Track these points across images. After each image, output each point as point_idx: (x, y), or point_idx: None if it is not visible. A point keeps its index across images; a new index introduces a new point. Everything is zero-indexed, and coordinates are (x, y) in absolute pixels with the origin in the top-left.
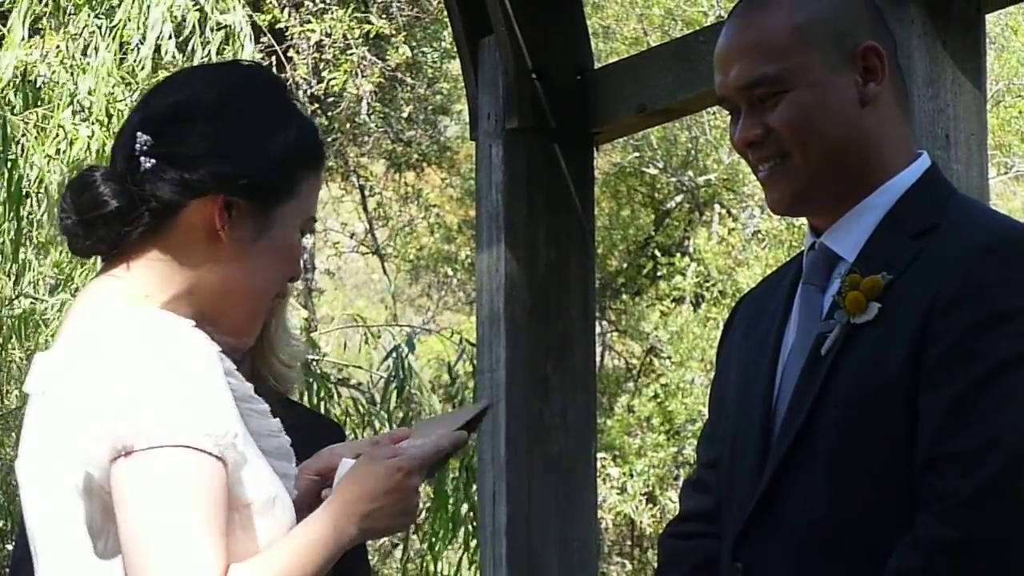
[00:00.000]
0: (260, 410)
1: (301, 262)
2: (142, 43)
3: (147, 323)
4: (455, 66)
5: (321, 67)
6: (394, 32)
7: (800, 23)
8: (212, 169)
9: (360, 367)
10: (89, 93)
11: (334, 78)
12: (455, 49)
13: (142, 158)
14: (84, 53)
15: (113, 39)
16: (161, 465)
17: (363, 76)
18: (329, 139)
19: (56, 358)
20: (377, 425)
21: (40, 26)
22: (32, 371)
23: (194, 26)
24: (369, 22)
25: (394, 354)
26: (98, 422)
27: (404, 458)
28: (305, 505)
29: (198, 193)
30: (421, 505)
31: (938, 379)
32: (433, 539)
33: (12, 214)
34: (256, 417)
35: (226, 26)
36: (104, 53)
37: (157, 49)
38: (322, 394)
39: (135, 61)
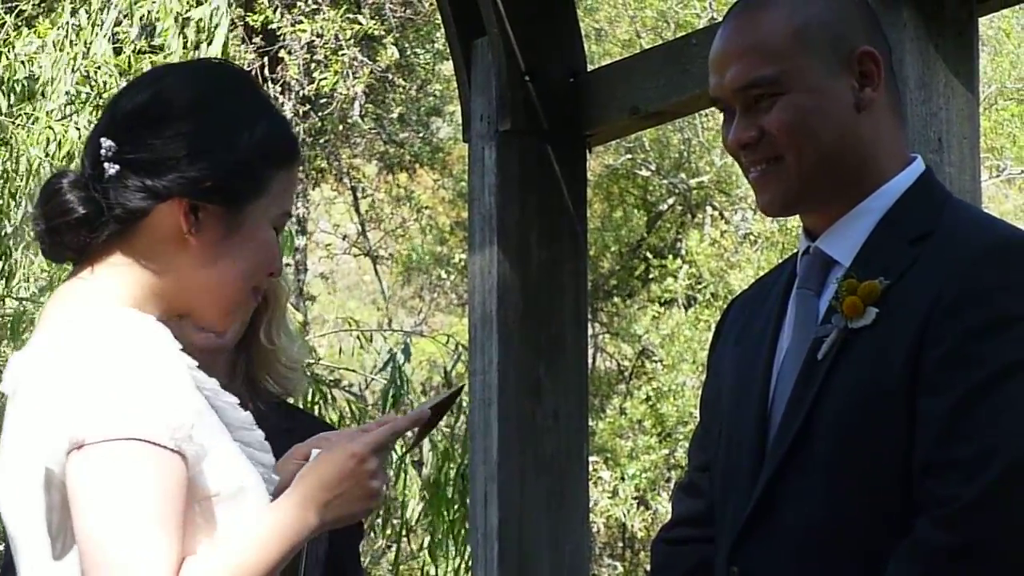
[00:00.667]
0: (231, 402)
1: (280, 256)
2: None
3: (107, 320)
4: (448, 67)
5: (312, 68)
6: (384, 33)
7: (798, 26)
8: (176, 174)
9: (353, 370)
10: (80, 83)
11: (324, 79)
12: (448, 50)
13: (106, 164)
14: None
15: (96, 33)
16: (112, 458)
17: (354, 77)
18: (321, 140)
19: (26, 358)
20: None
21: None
22: (6, 371)
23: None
24: (360, 23)
25: (391, 363)
26: (55, 417)
27: (358, 443)
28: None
29: (162, 198)
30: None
31: (938, 384)
32: (431, 541)
33: (2, 214)
34: (229, 409)
35: (198, 20)
36: (97, 45)
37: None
38: (316, 397)
39: (131, 52)
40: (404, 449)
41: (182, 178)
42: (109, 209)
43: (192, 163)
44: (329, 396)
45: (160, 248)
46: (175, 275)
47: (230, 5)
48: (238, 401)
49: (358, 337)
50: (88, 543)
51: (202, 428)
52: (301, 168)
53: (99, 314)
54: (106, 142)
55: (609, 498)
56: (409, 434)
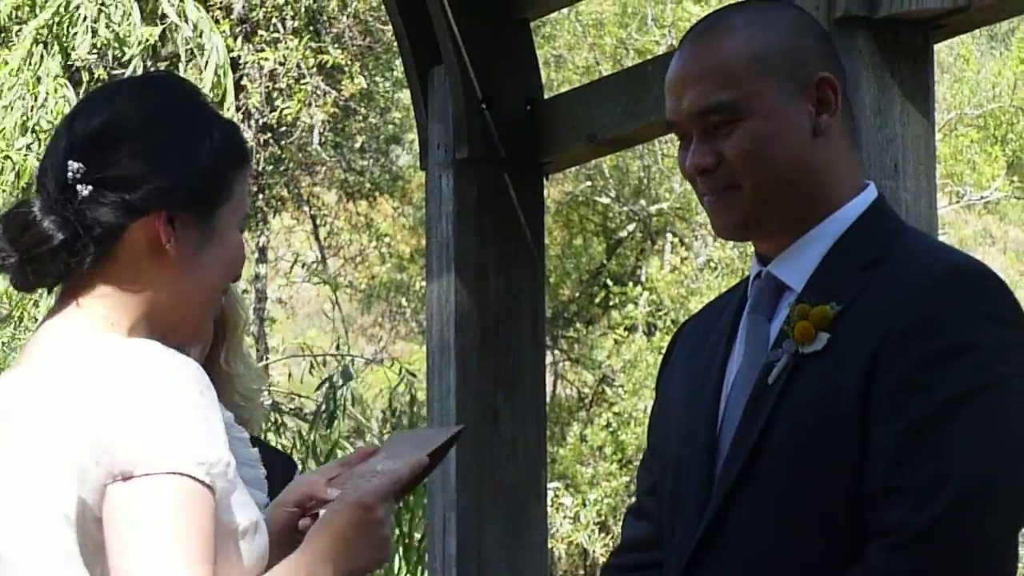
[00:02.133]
0: (242, 437)
1: (244, 258)
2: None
3: (136, 351)
4: (407, 96)
5: (275, 96)
6: (349, 62)
7: (757, 51)
8: (150, 186)
9: (310, 397)
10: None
11: (287, 107)
12: (406, 79)
13: (78, 186)
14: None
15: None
16: (157, 493)
17: (316, 106)
18: (281, 168)
19: (22, 380)
20: (318, 453)
21: None
22: None
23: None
24: (324, 52)
25: (326, 385)
26: (95, 447)
27: (366, 494)
28: (284, 539)
29: (140, 213)
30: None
31: (889, 411)
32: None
33: None
34: (239, 444)
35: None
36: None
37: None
38: (267, 425)
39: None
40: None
41: (157, 190)
42: (87, 230)
43: (163, 174)
44: (280, 422)
45: (140, 266)
46: (158, 292)
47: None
48: (248, 436)
49: (311, 362)
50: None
51: (233, 463)
52: (261, 196)
53: (117, 345)
54: (73, 164)
55: (571, 524)
56: None
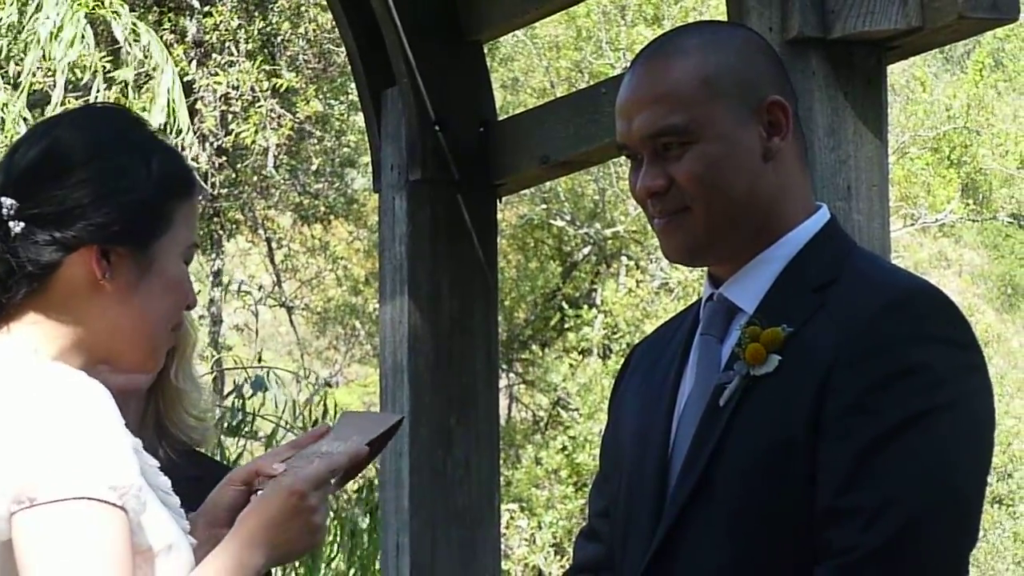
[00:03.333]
0: (152, 464)
1: (192, 289)
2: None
3: (42, 377)
4: (362, 119)
5: (229, 119)
6: (305, 85)
7: (708, 74)
8: (83, 222)
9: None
10: None
11: (244, 131)
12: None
13: (11, 223)
14: None
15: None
16: (65, 518)
17: (271, 129)
18: (236, 192)
19: None
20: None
21: None
22: None
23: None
24: (278, 75)
25: (235, 394)
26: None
27: (298, 480)
28: (232, 518)
29: (73, 248)
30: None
31: (839, 432)
32: None
33: None
34: (152, 473)
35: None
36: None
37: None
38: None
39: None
40: (337, 483)
41: (90, 225)
42: (20, 268)
43: (97, 209)
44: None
45: (75, 299)
46: (93, 323)
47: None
48: (159, 465)
49: (246, 379)
50: None
51: (142, 484)
52: (216, 219)
53: (31, 370)
54: (7, 201)
55: (527, 546)
56: None
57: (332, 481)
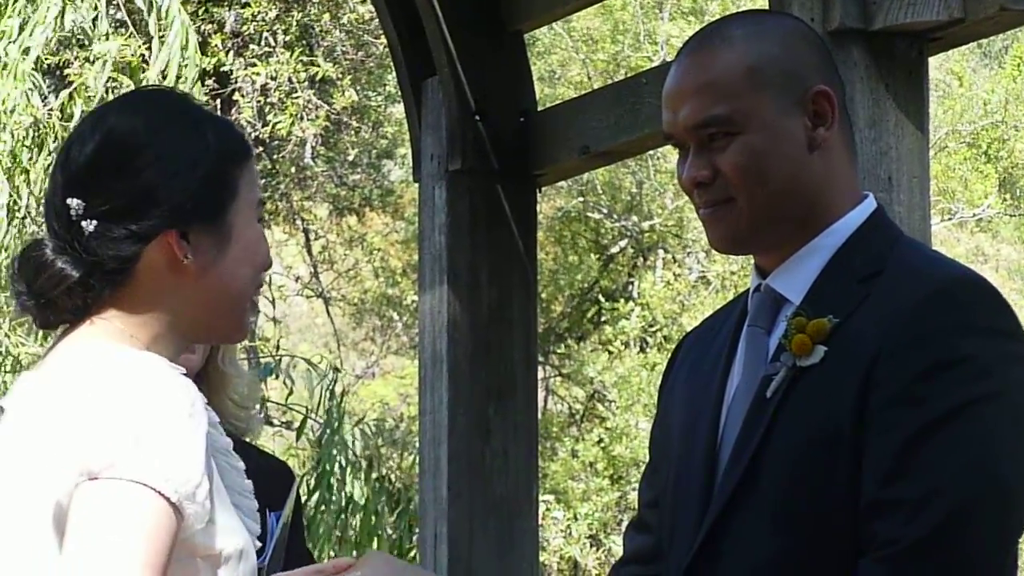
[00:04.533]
0: (237, 467)
1: (268, 246)
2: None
3: (138, 365)
4: (399, 110)
5: (266, 110)
6: (340, 76)
7: (753, 64)
8: (156, 209)
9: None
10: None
11: (280, 122)
12: (399, 92)
13: (82, 223)
14: None
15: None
16: (117, 496)
17: (308, 120)
18: (273, 183)
19: (31, 384)
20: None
21: None
22: (13, 390)
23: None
24: (316, 65)
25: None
26: (73, 450)
27: None
28: None
29: (150, 237)
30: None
31: (884, 424)
32: None
33: None
34: (234, 473)
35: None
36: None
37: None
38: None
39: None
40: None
41: (163, 210)
42: (100, 265)
43: (166, 192)
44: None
45: (160, 284)
46: (181, 304)
47: (184, 47)
48: (243, 466)
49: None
50: (71, 573)
51: (209, 488)
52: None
53: (126, 355)
54: (73, 202)
55: (563, 537)
56: None
57: None
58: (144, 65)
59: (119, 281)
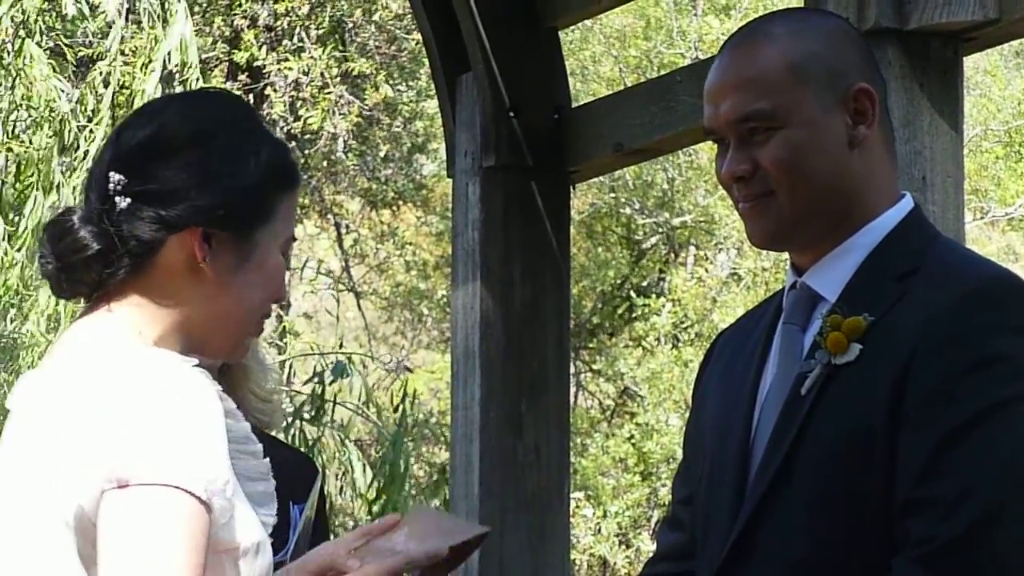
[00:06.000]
0: (253, 451)
1: (285, 282)
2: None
3: (151, 362)
4: (431, 105)
5: (298, 105)
6: (375, 71)
7: (795, 60)
8: (188, 203)
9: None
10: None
11: (312, 116)
12: (431, 88)
13: (117, 198)
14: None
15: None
16: (155, 503)
17: (341, 115)
18: (305, 177)
19: (45, 381)
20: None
21: None
22: (17, 389)
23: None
24: (350, 60)
25: (316, 379)
26: (95, 454)
27: (372, 569)
28: None
29: (176, 228)
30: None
31: (918, 423)
32: None
33: None
34: (247, 459)
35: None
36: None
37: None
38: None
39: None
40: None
41: (194, 207)
42: (123, 243)
43: (203, 191)
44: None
45: (175, 281)
46: (190, 307)
47: (215, 42)
48: (261, 449)
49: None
50: None
51: (233, 482)
52: None
53: (139, 353)
54: (115, 176)
55: (592, 535)
56: None
57: None
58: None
59: (137, 266)
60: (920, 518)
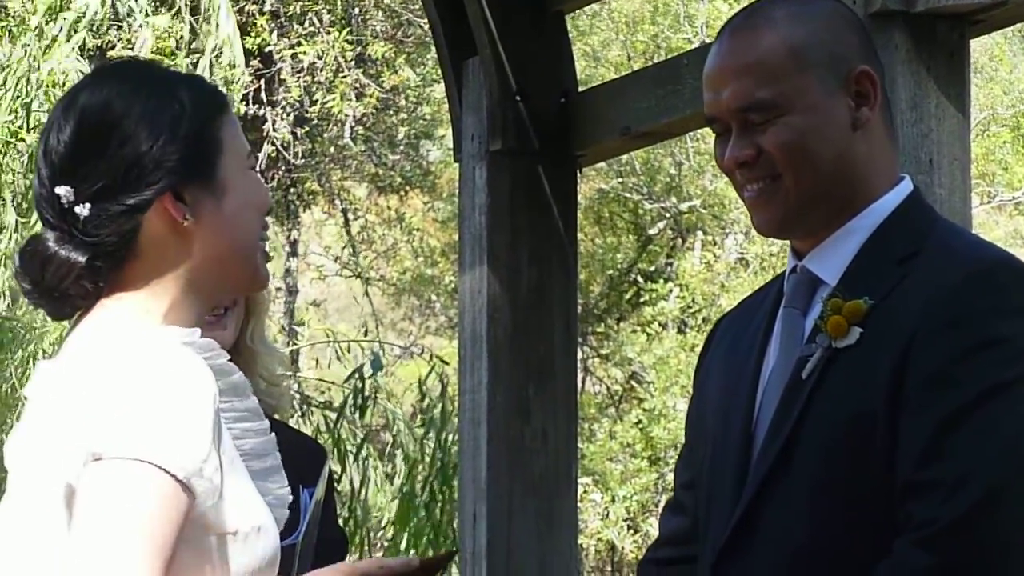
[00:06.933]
0: (259, 428)
1: (266, 189)
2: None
3: (145, 344)
4: (437, 90)
5: (313, 90)
6: (393, 54)
7: (796, 45)
8: (145, 179)
9: (336, 384)
10: None
11: (328, 101)
12: (437, 73)
13: (75, 208)
14: None
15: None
16: (122, 476)
17: (357, 99)
18: (313, 162)
19: (54, 369)
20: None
21: None
22: (33, 377)
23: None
24: (367, 44)
25: (356, 375)
26: (80, 433)
27: (362, 564)
28: None
29: (146, 208)
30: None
31: (919, 405)
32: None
33: None
34: (253, 436)
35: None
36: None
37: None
38: (293, 412)
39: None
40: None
41: (152, 178)
42: (103, 246)
43: (151, 160)
44: (306, 410)
45: (166, 249)
46: (191, 264)
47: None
48: (267, 425)
49: (336, 349)
50: (80, 555)
51: (220, 464)
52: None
53: (138, 335)
54: (62, 190)
55: (600, 520)
56: None
57: None
58: (178, 50)
59: (124, 257)
60: (921, 500)
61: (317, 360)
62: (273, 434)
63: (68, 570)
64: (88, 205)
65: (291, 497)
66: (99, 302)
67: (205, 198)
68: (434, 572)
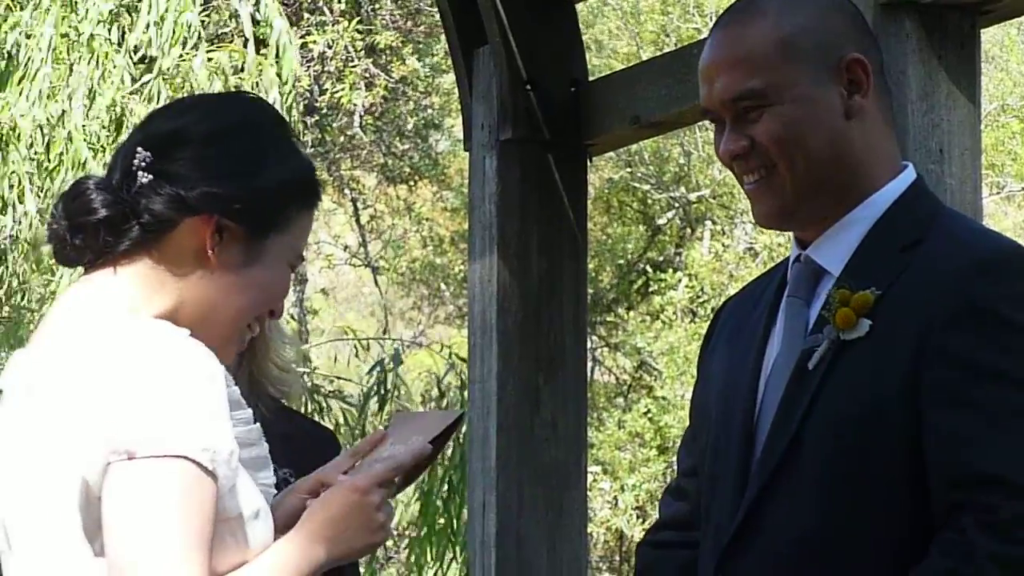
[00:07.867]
0: (244, 417)
1: (285, 295)
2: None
3: (150, 333)
4: (446, 80)
5: (323, 79)
6: (400, 44)
7: (785, 36)
8: (207, 189)
9: (350, 380)
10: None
11: (337, 91)
12: (446, 63)
13: (139, 172)
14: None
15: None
16: (160, 474)
17: (367, 89)
18: (322, 151)
19: (41, 357)
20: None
21: None
22: (10, 367)
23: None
24: (376, 32)
25: (378, 368)
26: (97, 428)
27: (360, 477)
28: (294, 524)
29: (192, 211)
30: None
31: (956, 395)
32: (422, 552)
33: None
34: (239, 425)
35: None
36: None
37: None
38: (311, 407)
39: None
40: (400, 483)
41: (213, 194)
42: (136, 216)
43: (225, 181)
44: (325, 405)
45: (182, 264)
46: (189, 292)
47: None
48: (251, 414)
49: (355, 346)
50: (123, 555)
51: (236, 451)
52: None
53: (138, 325)
54: (142, 152)
55: (609, 508)
56: None
57: (396, 480)
58: (239, 76)
59: (146, 240)
60: (986, 493)
61: (336, 358)
62: (258, 424)
63: (112, 568)
64: (151, 176)
65: (275, 492)
66: (88, 275)
67: (239, 248)
68: (446, 441)
